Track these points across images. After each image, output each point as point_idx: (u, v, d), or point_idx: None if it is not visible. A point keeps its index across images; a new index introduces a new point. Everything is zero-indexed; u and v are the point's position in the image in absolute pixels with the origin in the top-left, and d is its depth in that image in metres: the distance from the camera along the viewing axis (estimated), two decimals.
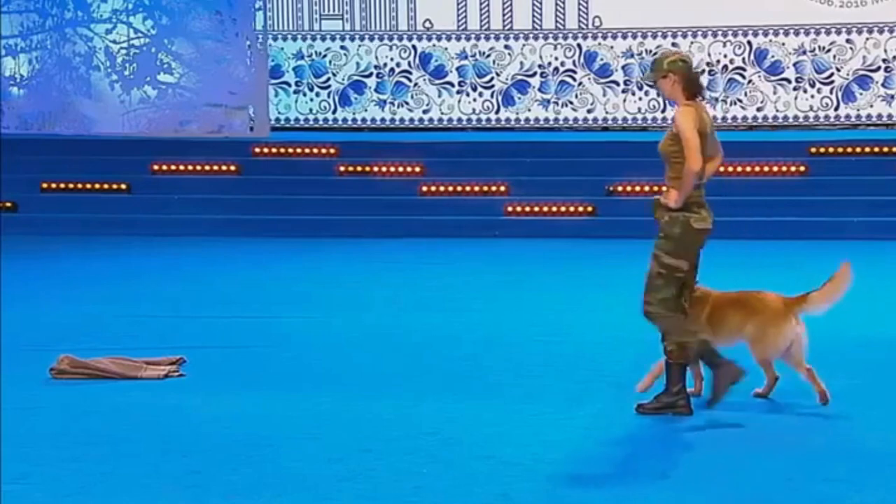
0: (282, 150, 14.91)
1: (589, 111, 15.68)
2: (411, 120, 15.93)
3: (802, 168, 14.00)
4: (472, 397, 6.98)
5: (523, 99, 15.74)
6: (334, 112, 15.95)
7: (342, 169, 14.55)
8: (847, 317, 9.27)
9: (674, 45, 15.47)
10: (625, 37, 15.57)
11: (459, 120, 15.84)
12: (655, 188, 13.86)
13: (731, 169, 14.05)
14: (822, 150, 14.17)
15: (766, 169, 14.00)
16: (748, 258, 12.11)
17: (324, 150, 14.81)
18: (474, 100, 15.82)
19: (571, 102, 15.70)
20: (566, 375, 7.49)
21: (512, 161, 14.41)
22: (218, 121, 15.58)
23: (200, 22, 15.58)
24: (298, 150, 14.86)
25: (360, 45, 15.85)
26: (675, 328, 6.57)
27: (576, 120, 15.70)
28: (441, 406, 6.86)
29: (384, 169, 14.51)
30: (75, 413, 6.84)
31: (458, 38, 15.67)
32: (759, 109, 15.47)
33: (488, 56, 15.77)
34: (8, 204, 14.36)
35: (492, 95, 15.82)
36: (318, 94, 15.98)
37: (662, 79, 6.66)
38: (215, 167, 14.72)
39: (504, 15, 16.01)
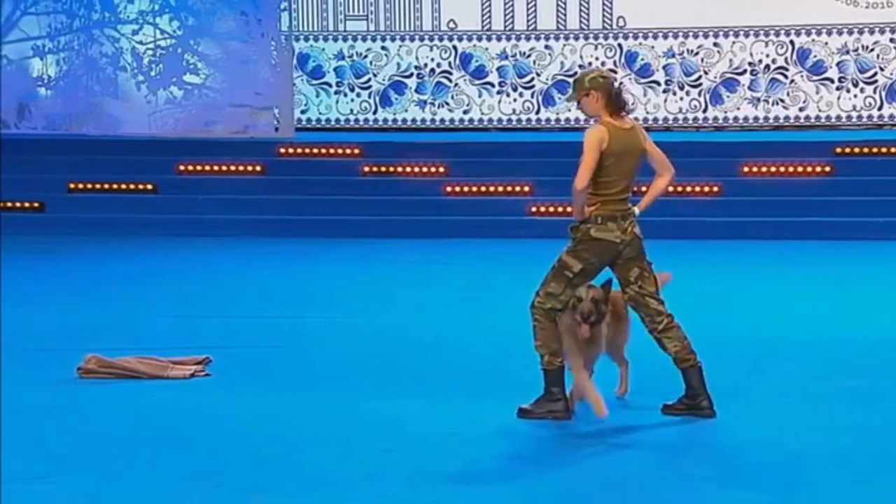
0: (306, 151, 14.98)
1: (627, 111, 15.66)
2: (451, 120, 15.97)
3: (828, 168, 13.96)
4: (493, 397, 7.00)
5: (563, 99, 15.75)
6: (375, 112, 16.01)
7: (366, 169, 14.59)
8: (870, 318, 9.27)
9: (716, 45, 15.47)
10: (665, 36, 15.55)
11: (500, 120, 15.85)
12: (679, 188, 13.87)
13: (755, 169, 14.04)
14: (847, 150, 14.12)
15: (790, 169, 13.97)
16: (772, 258, 12.09)
17: (348, 151, 14.86)
18: (514, 100, 15.83)
19: None
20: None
21: (536, 161, 14.42)
22: (243, 121, 15.65)
23: (226, 23, 15.66)
24: (323, 151, 14.92)
25: (400, 46, 15.89)
26: (542, 336, 6.58)
27: (695, 119, 15.66)
28: (462, 406, 6.88)
29: (408, 169, 14.55)
30: (101, 412, 6.90)
31: (499, 39, 15.68)
32: (801, 109, 15.43)
33: (528, 56, 15.78)
34: (35, 204, 14.48)
35: (532, 96, 15.83)
36: (358, 95, 16.03)
37: (585, 97, 6.68)
38: (241, 167, 14.80)
39: (528, 15, 16.02)
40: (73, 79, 15.98)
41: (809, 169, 13.95)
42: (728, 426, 6.57)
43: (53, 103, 16.07)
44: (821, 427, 6.54)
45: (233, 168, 14.79)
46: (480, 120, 15.88)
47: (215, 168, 14.80)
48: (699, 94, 15.56)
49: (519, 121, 15.85)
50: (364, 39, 16.15)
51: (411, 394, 7.19)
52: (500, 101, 15.83)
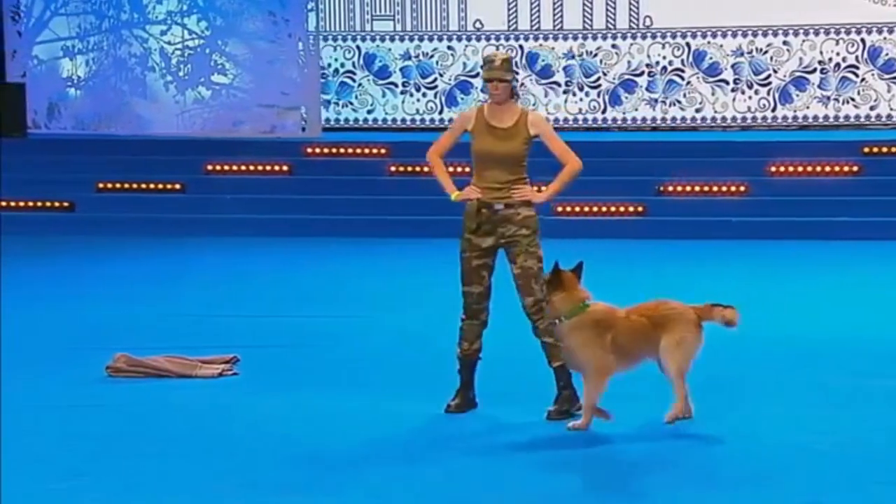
0: (333, 151, 15.02)
1: (697, 110, 15.66)
2: None
3: (856, 168, 13.90)
4: (524, 399, 7.01)
5: (630, 98, 15.73)
6: (440, 112, 16.05)
7: (392, 169, 14.62)
8: None
9: (785, 43, 15.42)
10: (734, 35, 15.50)
11: (566, 120, 15.84)
12: (706, 188, 13.84)
13: (783, 169, 14.00)
14: (875, 149, 14.06)
15: (818, 169, 13.91)
16: (799, 258, 12.05)
17: (374, 150, 14.89)
18: (580, 100, 15.82)
19: (679, 102, 15.68)
20: (616, 376, 7.50)
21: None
22: (270, 121, 15.73)
23: (253, 23, 15.73)
24: (349, 150, 14.96)
25: (466, 46, 15.90)
26: (551, 331, 6.63)
27: (683, 119, 15.65)
28: (494, 408, 6.88)
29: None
30: (130, 411, 6.95)
31: (564, 38, 15.62)
32: (871, 108, 15.37)
33: (595, 56, 15.76)
34: (65, 203, 14.58)
35: (598, 95, 15.81)
36: (424, 95, 16.08)
37: (514, 81, 6.73)
38: (268, 167, 14.85)
39: (554, 15, 16.01)
40: (102, 79, 16.09)
41: (837, 168, 13.90)
42: (756, 425, 6.56)
43: (83, 103, 16.19)
44: (849, 427, 6.52)
45: (260, 168, 14.85)
46: (546, 119, 15.87)
47: (242, 168, 14.86)
48: (768, 93, 15.52)
49: (585, 120, 15.84)
50: (392, 40, 16.18)
51: (441, 394, 7.19)
52: (566, 101, 15.83)
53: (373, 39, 16.29)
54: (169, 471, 5.94)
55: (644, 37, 15.61)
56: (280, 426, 6.60)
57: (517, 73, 6.74)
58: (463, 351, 6.78)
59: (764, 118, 15.59)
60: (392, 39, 16.26)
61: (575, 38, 15.88)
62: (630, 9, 15.83)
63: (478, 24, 16.13)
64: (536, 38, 15.98)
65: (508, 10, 16.05)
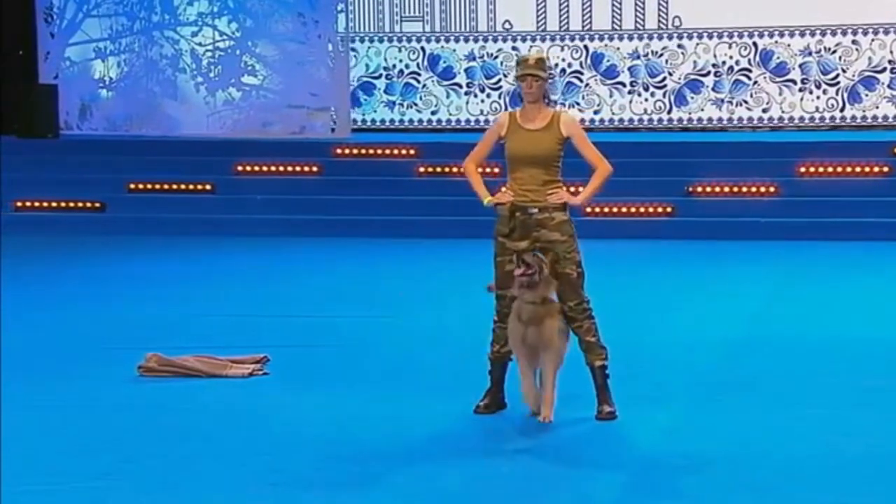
0: (362, 151, 15.07)
1: (764, 110, 15.63)
2: (582, 121, 16.04)
3: (886, 168, 13.84)
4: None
5: (696, 98, 15.72)
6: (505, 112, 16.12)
7: (421, 170, 14.66)
8: None
9: (854, 42, 15.36)
10: (802, 35, 15.46)
11: (631, 120, 15.82)
12: (735, 188, 13.81)
13: (812, 170, 13.95)
14: None
15: (847, 169, 13.86)
16: (829, 259, 12.01)
17: (403, 151, 14.93)
18: (646, 100, 15.81)
19: (746, 102, 15.65)
20: (644, 377, 7.53)
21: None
22: (300, 122, 15.79)
23: (283, 24, 15.81)
24: (379, 151, 15.01)
25: (531, 46, 15.92)
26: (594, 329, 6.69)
27: (750, 119, 15.64)
28: (524, 408, 6.89)
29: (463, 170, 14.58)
30: (162, 410, 7.01)
31: (631, 38, 15.59)
32: None
33: (661, 56, 15.75)
34: (96, 204, 14.69)
35: (664, 95, 15.81)
36: (489, 96, 16.11)
37: (549, 80, 6.71)
38: (297, 168, 14.92)
39: (584, 15, 16.01)
40: (134, 80, 16.20)
41: (867, 169, 13.84)
42: (785, 426, 6.56)
43: (114, 104, 16.30)
44: (880, 429, 6.51)
45: (289, 168, 14.91)
46: (611, 120, 15.86)
47: (272, 168, 14.93)
48: (836, 93, 15.47)
49: (650, 121, 15.83)
50: (427, 40, 16.22)
51: (469, 394, 7.21)
52: (630, 101, 15.83)
53: (409, 40, 16.32)
54: (198, 470, 5.98)
55: (711, 36, 15.55)
56: (309, 426, 6.65)
57: (552, 75, 6.74)
58: (494, 353, 6.81)
59: (802, 118, 15.54)
60: (428, 41, 16.28)
61: (611, 39, 15.85)
62: (659, 8, 15.81)
63: (507, 25, 16.14)
64: (563, 39, 15.98)
65: (537, 10, 16.06)
